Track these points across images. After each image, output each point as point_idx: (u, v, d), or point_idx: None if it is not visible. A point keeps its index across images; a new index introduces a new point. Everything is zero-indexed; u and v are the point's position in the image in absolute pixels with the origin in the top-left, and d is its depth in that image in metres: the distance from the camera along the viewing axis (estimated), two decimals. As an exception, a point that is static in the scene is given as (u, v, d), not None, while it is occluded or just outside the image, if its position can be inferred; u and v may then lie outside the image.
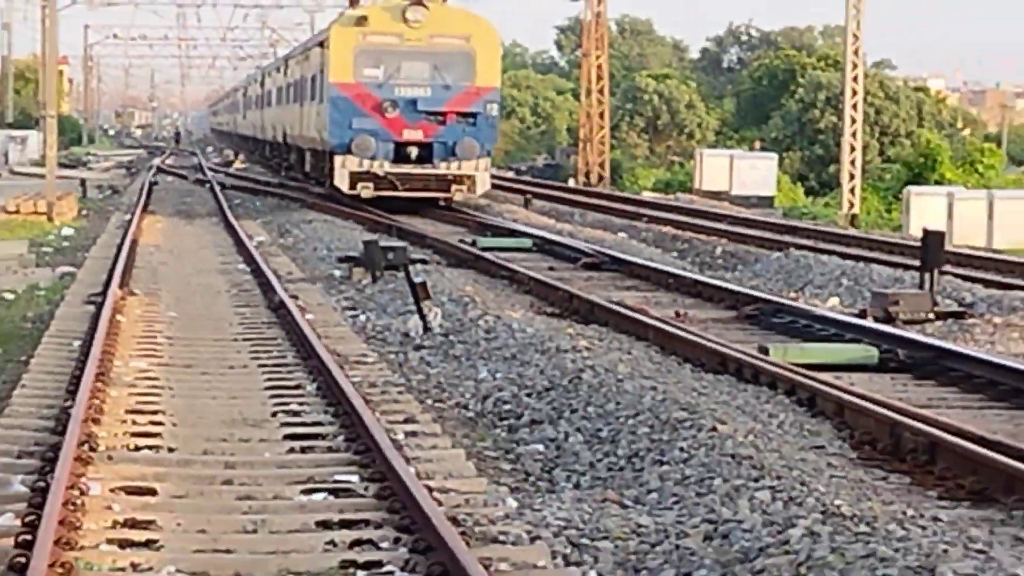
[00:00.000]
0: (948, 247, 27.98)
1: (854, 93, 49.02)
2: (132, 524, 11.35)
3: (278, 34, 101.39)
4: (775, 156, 65.66)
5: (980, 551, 10.24)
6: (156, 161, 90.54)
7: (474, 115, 39.56)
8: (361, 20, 40.82)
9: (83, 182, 59.36)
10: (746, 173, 58.45)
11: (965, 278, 27.22)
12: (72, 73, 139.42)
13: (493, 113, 40.95)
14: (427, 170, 39.53)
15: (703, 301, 26.03)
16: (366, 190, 38.77)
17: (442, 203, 41.60)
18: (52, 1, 54.44)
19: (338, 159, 39.21)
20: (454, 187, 40.88)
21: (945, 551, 9.97)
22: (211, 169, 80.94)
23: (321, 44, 46.03)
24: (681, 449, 13.66)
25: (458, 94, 39.45)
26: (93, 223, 44.03)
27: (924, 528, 10.79)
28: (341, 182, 38.91)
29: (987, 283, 27.15)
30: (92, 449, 13.45)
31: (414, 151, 39.51)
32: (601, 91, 65.78)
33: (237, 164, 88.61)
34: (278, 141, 66.98)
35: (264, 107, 75.68)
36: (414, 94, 39.30)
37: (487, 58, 40.63)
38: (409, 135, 39.15)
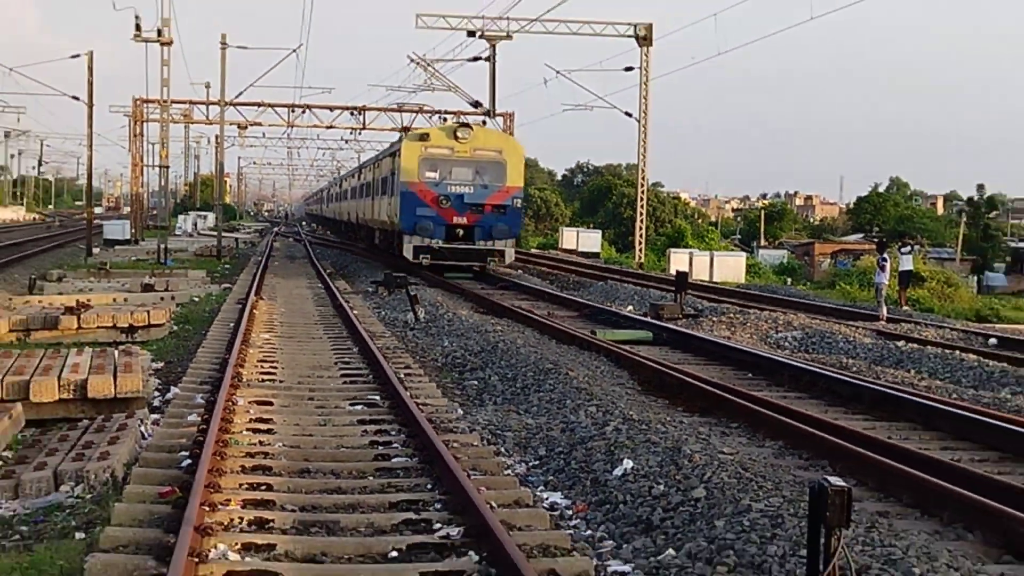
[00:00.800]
0: (690, 280, 28.11)
1: (642, 199, 49.10)
2: (259, 420, 11.31)
3: (341, 163, 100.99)
4: (600, 231, 65.81)
5: (704, 439, 10.32)
6: (275, 229, 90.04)
7: (505, 207, 32.76)
8: (424, 136, 33.78)
9: (236, 240, 58.90)
10: (585, 240, 58.29)
11: (698, 296, 27.34)
12: (231, 181, 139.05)
13: (518, 206, 33.93)
14: (469, 246, 32.19)
15: (562, 307, 26.01)
16: (425, 259, 31.85)
17: (477, 269, 34.61)
18: (221, 143, 54.12)
19: (406, 237, 32.50)
20: (489, 259, 33.43)
21: (686, 439, 10.03)
22: (305, 235, 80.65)
23: (393, 155, 37.25)
24: (550, 384, 13.68)
25: (494, 192, 32.46)
26: (240, 260, 43.78)
27: (675, 427, 10.85)
28: (407, 254, 32.30)
29: (709, 299, 27.27)
30: (239, 380, 13.39)
31: (461, 232, 32.38)
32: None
33: (319, 232, 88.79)
34: (351, 221, 57.33)
35: (340, 200, 66.92)
36: (461, 191, 32.26)
37: (515, 166, 33.43)
38: (457, 220, 32.18)
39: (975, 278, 68.10)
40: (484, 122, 34.54)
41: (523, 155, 32.95)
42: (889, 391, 13.01)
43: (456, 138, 32.92)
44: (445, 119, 36.26)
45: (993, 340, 20.86)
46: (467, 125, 33.56)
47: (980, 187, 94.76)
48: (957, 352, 18.02)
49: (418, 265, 32.23)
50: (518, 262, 43.15)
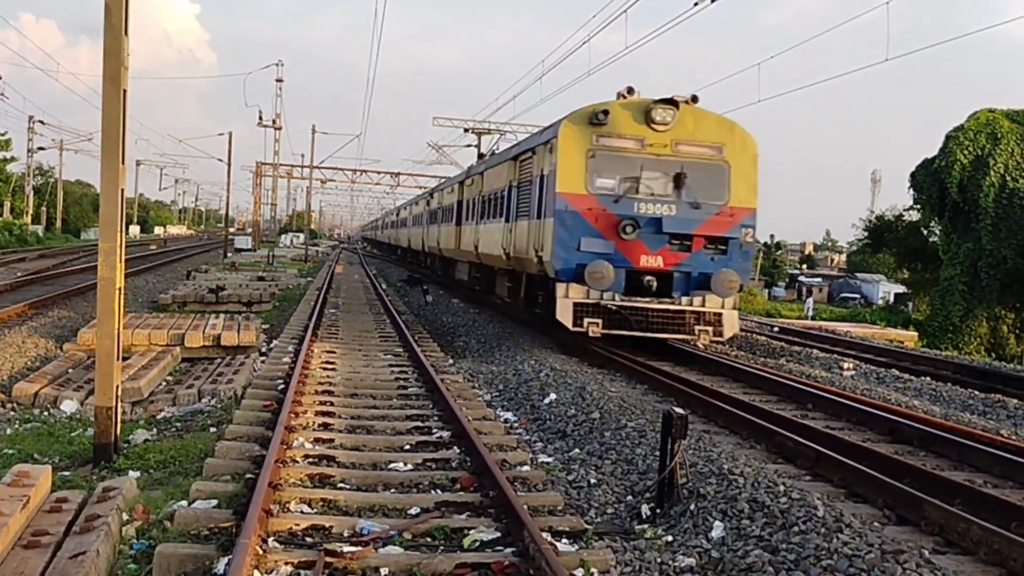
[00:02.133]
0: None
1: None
2: (327, 361, 11.20)
3: (384, 207, 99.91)
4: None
5: (599, 382, 10.26)
6: (341, 246, 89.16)
7: (726, 242, 11.74)
8: (597, 118, 11.53)
9: (317, 251, 58.28)
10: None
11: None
12: (315, 215, 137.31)
13: (749, 241, 11.82)
14: (667, 305, 11.57)
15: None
16: (594, 327, 11.46)
17: (679, 343, 13.17)
18: (309, 191, 53.69)
19: (560, 287, 11.55)
20: (698, 328, 11.80)
21: (588, 381, 10.00)
22: (359, 250, 79.91)
23: (531, 152, 13.63)
24: (506, 346, 13.65)
25: (710, 215, 11.65)
26: (318, 264, 43.29)
27: (582, 374, 10.81)
28: (562, 315, 11.52)
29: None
30: (315, 337, 13.25)
31: (653, 282, 11.60)
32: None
33: (369, 249, 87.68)
34: (412, 248, 36.21)
35: (399, 228, 44.82)
36: (657, 212, 11.42)
37: (743, 173, 11.81)
38: (647, 262, 11.44)
39: (767, 291, 68.73)
40: (695, 97, 12.59)
41: (757, 156, 12.80)
42: (711, 357, 13.07)
43: (650, 122, 12.53)
44: (630, 90, 12.63)
45: (776, 328, 21.08)
46: (671, 101, 12.49)
47: (772, 236, 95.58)
48: (754, 334, 18.15)
49: (581, 335, 12.45)
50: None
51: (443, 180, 33.62)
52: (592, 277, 11.59)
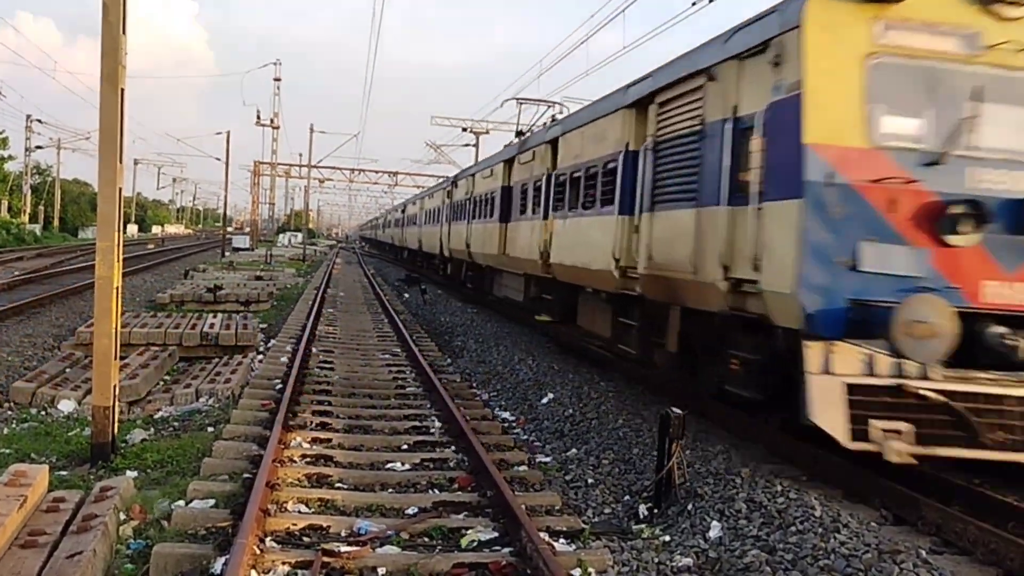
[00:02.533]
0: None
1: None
2: (325, 361, 11.21)
3: (381, 206, 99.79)
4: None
5: (597, 382, 10.26)
6: (339, 245, 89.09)
7: None
8: None
9: (315, 250, 58.21)
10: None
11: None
12: (313, 214, 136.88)
13: None
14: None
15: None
16: (895, 440, 3.42)
17: None
18: (307, 190, 53.54)
19: (814, 352, 3.44)
20: None
21: (586, 381, 9.99)
22: (357, 249, 79.80)
23: (706, 74, 5.67)
24: (504, 346, 13.63)
25: None
26: (316, 264, 43.19)
27: (580, 375, 10.78)
28: (828, 414, 3.50)
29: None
30: (312, 337, 13.24)
31: (1014, 339, 3.30)
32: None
33: (367, 248, 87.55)
34: (419, 250, 31.16)
35: (406, 226, 38.18)
36: (1018, 189, 3.30)
37: None
38: (999, 295, 3.39)
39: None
40: None
41: None
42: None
43: (989, 5, 4.39)
44: None
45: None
46: None
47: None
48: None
49: (869, 457, 4.82)
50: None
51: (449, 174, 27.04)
52: (913, 334, 4.81)
